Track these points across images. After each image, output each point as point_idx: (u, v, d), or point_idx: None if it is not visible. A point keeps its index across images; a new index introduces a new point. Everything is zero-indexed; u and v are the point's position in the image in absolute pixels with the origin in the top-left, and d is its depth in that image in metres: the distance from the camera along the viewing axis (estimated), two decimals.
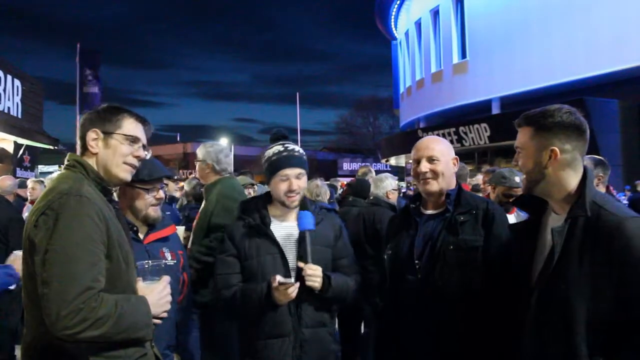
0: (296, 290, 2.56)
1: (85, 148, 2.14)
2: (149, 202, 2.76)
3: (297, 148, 2.85)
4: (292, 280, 2.58)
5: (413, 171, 2.72)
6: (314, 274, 2.59)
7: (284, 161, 2.76)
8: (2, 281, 2.73)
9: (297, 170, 2.77)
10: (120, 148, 2.15)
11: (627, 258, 1.84)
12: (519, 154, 2.18)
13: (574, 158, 2.08)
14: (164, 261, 2.72)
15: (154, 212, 2.79)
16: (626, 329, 1.83)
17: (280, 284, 2.53)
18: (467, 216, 2.57)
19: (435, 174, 2.63)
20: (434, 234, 2.60)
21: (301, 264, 2.59)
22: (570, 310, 1.95)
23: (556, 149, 2.05)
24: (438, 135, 21.32)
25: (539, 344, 2.07)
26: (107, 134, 2.13)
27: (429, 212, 2.72)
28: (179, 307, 2.92)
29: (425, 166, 2.63)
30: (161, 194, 2.82)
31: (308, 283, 2.56)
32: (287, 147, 2.82)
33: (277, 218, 2.82)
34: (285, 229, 2.79)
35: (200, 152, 4.13)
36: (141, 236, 2.78)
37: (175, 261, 2.84)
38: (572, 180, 2.08)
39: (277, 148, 2.81)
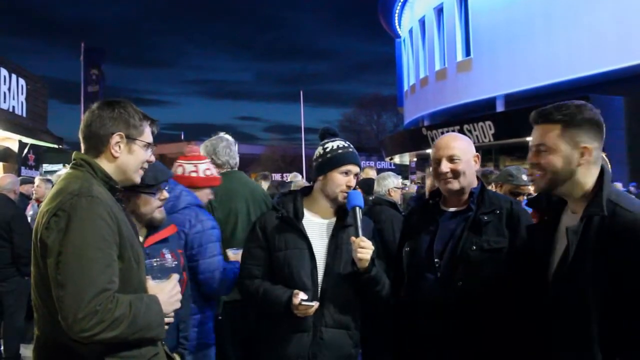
0: (315, 309, 2.54)
1: (100, 149, 2.09)
2: (155, 206, 2.72)
3: None
4: (314, 303, 2.54)
5: (434, 171, 2.67)
6: (367, 246, 2.53)
7: (350, 156, 2.75)
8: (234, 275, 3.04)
9: (357, 169, 2.78)
10: (141, 154, 2.15)
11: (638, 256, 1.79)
12: (542, 153, 2.05)
13: (598, 156, 2.03)
14: (164, 261, 2.72)
15: (160, 213, 2.74)
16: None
17: (303, 304, 2.51)
18: (491, 216, 2.53)
19: (457, 174, 2.57)
20: (455, 233, 2.56)
21: (353, 238, 2.55)
22: (585, 311, 1.90)
23: (589, 146, 1.98)
24: (442, 133, 21.27)
25: (556, 345, 2.04)
26: (131, 139, 2.12)
27: (451, 209, 2.67)
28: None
29: (446, 166, 2.58)
30: (165, 194, 2.76)
31: (359, 255, 2.51)
32: (350, 145, 2.83)
33: (312, 213, 2.80)
34: (318, 224, 2.77)
35: (202, 150, 4.12)
36: (140, 238, 2.70)
37: (176, 262, 2.80)
38: (593, 178, 2.02)
39: (342, 143, 2.80)
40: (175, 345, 2.80)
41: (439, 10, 26.67)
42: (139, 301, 1.93)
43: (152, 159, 2.23)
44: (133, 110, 2.16)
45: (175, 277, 2.22)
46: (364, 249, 2.52)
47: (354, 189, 2.76)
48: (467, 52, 24.56)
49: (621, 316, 1.84)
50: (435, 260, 2.55)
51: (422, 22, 28.64)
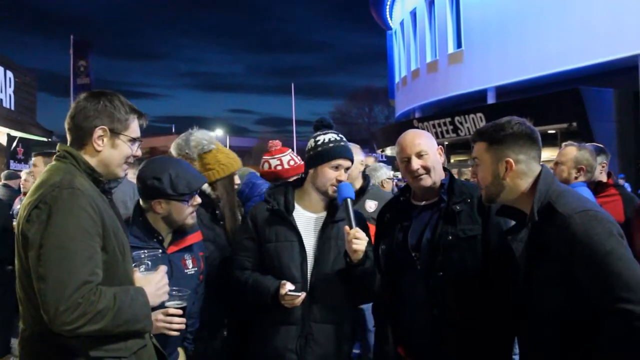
0: (302, 299, 2.54)
1: (83, 142, 2.06)
2: (188, 213, 2.68)
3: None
4: (301, 293, 2.54)
5: (404, 169, 2.68)
6: (362, 237, 2.51)
7: (341, 151, 2.73)
8: None
9: (348, 163, 2.75)
10: (125, 149, 2.10)
11: (574, 254, 1.89)
12: (477, 167, 2.25)
13: (529, 166, 2.14)
14: (185, 270, 2.70)
15: (192, 219, 2.70)
16: (597, 321, 1.86)
17: (289, 294, 2.52)
18: (463, 205, 2.56)
19: (427, 169, 2.61)
20: (430, 225, 2.59)
21: (347, 229, 2.52)
22: (543, 312, 2.03)
23: (511, 160, 2.11)
24: (433, 125, 21.35)
25: (528, 341, 2.18)
26: (115, 133, 2.07)
27: (422, 203, 2.69)
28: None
29: (416, 163, 2.60)
30: (197, 199, 2.73)
31: (354, 246, 2.49)
32: (343, 138, 2.80)
33: (303, 206, 2.78)
34: (309, 218, 2.76)
35: (172, 149, 4.08)
36: (165, 244, 2.69)
37: (195, 269, 2.78)
38: (524, 186, 2.14)
39: (333, 136, 2.77)
40: (181, 339, 2.77)
41: (430, 2, 26.62)
42: (124, 293, 1.91)
43: (139, 153, 2.18)
44: (120, 102, 2.10)
45: (163, 268, 2.20)
46: (359, 239, 2.50)
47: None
48: (459, 44, 24.56)
49: (576, 313, 1.93)
50: (413, 254, 2.58)
51: (414, 14, 28.60)
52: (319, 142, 2.75)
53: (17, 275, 1.96)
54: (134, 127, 2.14)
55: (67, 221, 1.83)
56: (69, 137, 2.09)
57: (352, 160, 2.78)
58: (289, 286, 2.54)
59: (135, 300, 1.94)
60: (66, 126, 2.09)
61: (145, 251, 2.33)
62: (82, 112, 2.05)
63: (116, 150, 2.08)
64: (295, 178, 2.99)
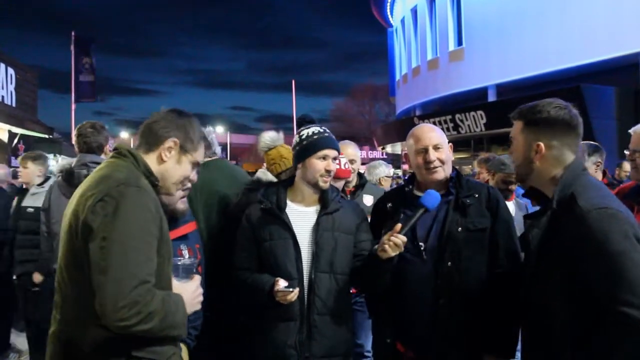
0: (296, 295, 2.55)
1: (151, 147, 2.11)
2: (178, 197, 2.66)
3: None
4: (294, 289, 2.56)
5: (420, 160, 2.68)
6: (402, 241, 2.44)
7: (326, 141, 2.76)
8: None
9: (335, 153, 2.78)
10: (187, 169, 2.18)
11: (585, 250, 1.85)
12: (513, 146, 2.22)
13: (562, 153, 2.07)
14: (188, 260, 2.70)
15: (183, 204, 2.64)
16: (598, 319, 1.83)
17: (281, 290, 2.55)
18: (472, 199, 2.62)
19: (442, 162, 2.65)
20: (438, 216, 2.62)
21: (399, 226, 2.44)
22: (547, 304, 2.00)
23: (542, 144, 2.05)
24: (434, 123, 21.31)
25: (529, 335, 2.16)
26: (184, 150, 2.14)
27: None
28: None
29: (434, 154, 2.63)
30: (188, 183, 2.73)
31: (398, 250, 2.44)
32: (326, 130, 2.83)
33: (296, 203, 2.81)
34: (303, 212, 2.79)
35: None
36: None
37: (192, 259, 2.77)
38: (553, 173, 2.08)
39: (317, 129, 2.80)
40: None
41: (431, 0, 26.59)
42: (169, 299, 1.91)
43: (195, 178, 2.25)
44: (197, 125, 2.21)
45: (198, 278, 2.19)
46: (404, 243, 2.46)
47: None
48: (459, 42, 24.54)
49: (579, 307, 1.89)
50: (420, 244, 2.61)
51: (414, 11, 28.56)
52: (304, 137, 2.78)
53: (63, 264, 1.95)
54: (200, 153, 2.22)
55: (132, 218, 1.83)
56: (138, 141, 2.15)
57: (338, 150, 2.80)
58: (281, 283, 2.57)
59: (177, 307, 1.93)
60: (140, 129, 2.15)
61: (182, 258, 2.35)
62: (162, 121, 2.14)
63: (179, 166, 2.15)
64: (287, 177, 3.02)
